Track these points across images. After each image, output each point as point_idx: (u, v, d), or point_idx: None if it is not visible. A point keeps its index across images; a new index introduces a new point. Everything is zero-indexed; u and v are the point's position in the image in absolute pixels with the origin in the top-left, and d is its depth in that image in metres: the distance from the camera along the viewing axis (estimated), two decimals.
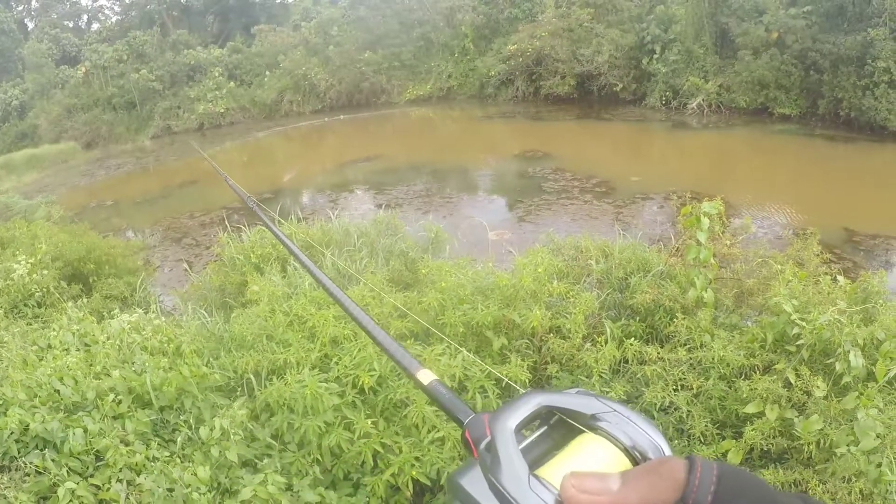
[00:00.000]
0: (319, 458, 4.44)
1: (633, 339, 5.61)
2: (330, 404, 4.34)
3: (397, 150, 28.11)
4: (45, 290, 9.32)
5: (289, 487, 4.20)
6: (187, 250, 17.16)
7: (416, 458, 4.33)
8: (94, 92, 48.56)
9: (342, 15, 45.98)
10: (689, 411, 4.94)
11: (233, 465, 4.24)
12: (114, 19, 64.21)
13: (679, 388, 5.12)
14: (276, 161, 32.73)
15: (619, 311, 6.71)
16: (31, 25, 63.76)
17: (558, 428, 0.69)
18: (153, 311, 6.89)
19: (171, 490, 3.91)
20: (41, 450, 4.16)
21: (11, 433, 4.17)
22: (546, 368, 5.63)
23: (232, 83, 46.62)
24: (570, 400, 0.69)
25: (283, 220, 10.10)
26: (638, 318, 6.27)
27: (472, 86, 39.31)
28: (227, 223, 11.13)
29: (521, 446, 0.63)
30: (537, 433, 0.68)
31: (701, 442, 4.82)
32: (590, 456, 0.63)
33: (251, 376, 5.07)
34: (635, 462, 0.63)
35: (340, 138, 35.72)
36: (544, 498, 0.56)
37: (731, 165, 21.77)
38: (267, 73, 46.34)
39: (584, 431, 0.66)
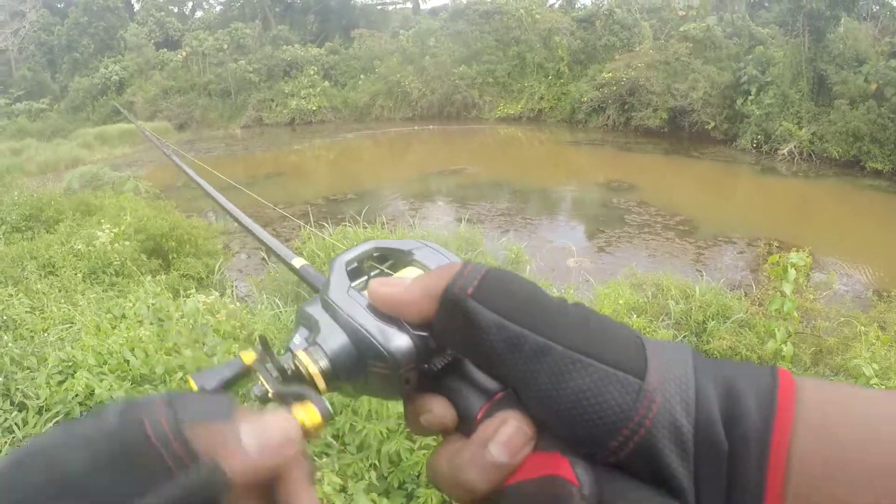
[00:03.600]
0: (377, 464, 4.39)
1: None
2: (394, 411, 4.30)
3: (482, 166, 28.07)
4: (123, 260, 9.51)
5: (343, 489, 4.15)
6: None
7: None
8: (192, 77, 49.76)
9: (441, 26, 46.19)
10: None
11: None
12: (217, 9, 65.96)
13: None
14: (362, 163, 33.02)
15: None
16: (137, 6, 65.74)
17: (388, 271, 0.78)
18: (228, 296, 6.95)
19: None
20: None
21: (76, 395, 4.23)
22: None
23: (326, 82, 47.28)
24: (394, 242, 0.79)
25: (367, 224, 10.12)
26: None
27: (563, 110, 39.15)
28: (310, 217, 11.17)
29: (354, 283, 0.72)
30: (371, 274, 0.77)
31: None
32: None
33: None
34: None
35: (427, 147, 35.89)
36: (359, 301, 0.66)
37: (817, 217, 21.14)
38: (361, 76, 46.86)
39: (405, 266, 0.76)
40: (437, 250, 0.76)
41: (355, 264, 0.78)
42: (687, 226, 17.89)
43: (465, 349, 0.59)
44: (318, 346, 0.67)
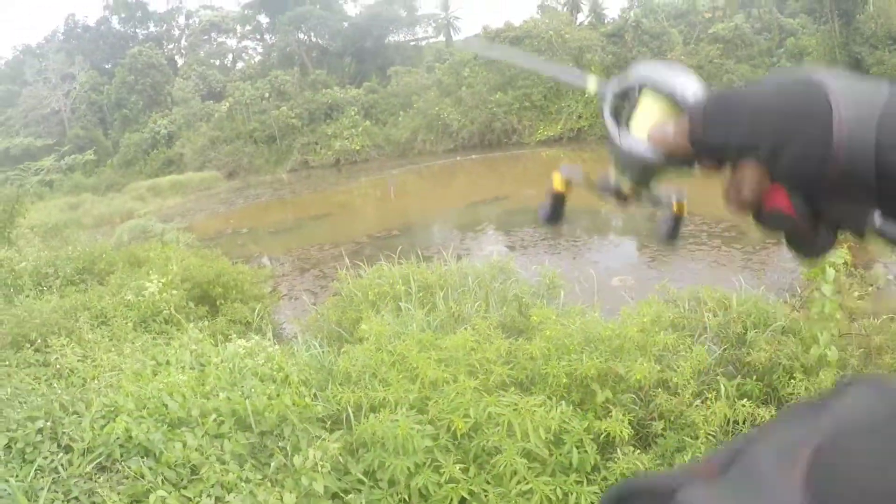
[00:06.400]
0: (406, 499, 4.44)
1: (746, 399, 5.21)
2: (421, 445, 4.33)
3: (527, 191, 28.02)
4: (171, 308, 9.73)
5: None
6: (314, 281, 17.50)
7: None
8: (237, 126, 50.80)
9: (474, 56, 46.55)
10: None
11: (320, 496, 4.29)
12: (257, 59, 67.66)
13: None
14: (407, 198, 33.27)
15: (736, 367, 6.28)
16: (180, 62, 67.40)
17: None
18: (268, 339, 7.07)
19: None
20: (141, 457, 4.36)
21: (117, 438, 4.40)
22: (652, 425, 5.36)
23: (367, 122, 47.88)
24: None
25: (404, 260, 10.18)
26: (755, 377, 5.84)
27: (602, 126, 39.00)
28: (346, 259, 11.27)
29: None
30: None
31: None
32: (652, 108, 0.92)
33: (350, 411, 5.14)
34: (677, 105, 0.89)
35: (471, 177, 36.03)
36: (637, 146, 0.91)
37: None
38: (401, 112, 47.37)
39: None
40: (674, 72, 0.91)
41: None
42: (734, 232, 17.62)
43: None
44: None
